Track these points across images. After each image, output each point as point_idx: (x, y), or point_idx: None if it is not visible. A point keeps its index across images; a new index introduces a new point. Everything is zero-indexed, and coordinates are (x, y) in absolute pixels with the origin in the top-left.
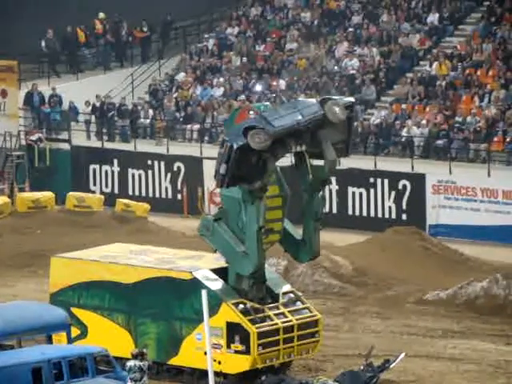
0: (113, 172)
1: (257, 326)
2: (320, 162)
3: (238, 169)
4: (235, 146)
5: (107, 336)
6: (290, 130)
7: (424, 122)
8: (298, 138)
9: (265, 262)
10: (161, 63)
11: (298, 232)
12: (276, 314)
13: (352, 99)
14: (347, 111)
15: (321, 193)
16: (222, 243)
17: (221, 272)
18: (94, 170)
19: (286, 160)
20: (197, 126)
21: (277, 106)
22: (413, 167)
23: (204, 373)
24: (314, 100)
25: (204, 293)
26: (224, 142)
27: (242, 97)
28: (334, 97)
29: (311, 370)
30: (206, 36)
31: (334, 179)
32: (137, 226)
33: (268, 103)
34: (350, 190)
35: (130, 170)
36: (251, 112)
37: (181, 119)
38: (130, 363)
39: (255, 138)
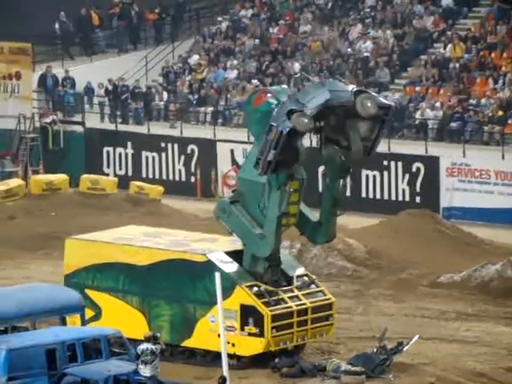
0: (126, 154)
1: (271, 308)
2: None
3: (280, 154)
4: (285, 132)
5: (121, 318)
6: (321, 108)
7: (438, 104)
8: (323, 117)
9: (280, 245)
10: (174, 46)
11: (313, 214)
12: (290, 297)
13: (392, 103)
14: (381, 111)
15: (342, 181)
16: (238, 225)
17: (235, 255)
18: (108, 153)
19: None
20: (210, 109)
21: (307, 86)
22: (427, 150)
23: (217, 355)
24: (349, 86)
25: (217, 275)
26: (271, 127)
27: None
28: (371, 92)
29: (324, 352)
30: (220, 18)
31: None
32: (150, 209)
33: (285, 86)
34: (364, 172)
35: (144, 153)
36: (268, 95)
37: (194, 102)
38: (143, 346)
39: (300, 120)
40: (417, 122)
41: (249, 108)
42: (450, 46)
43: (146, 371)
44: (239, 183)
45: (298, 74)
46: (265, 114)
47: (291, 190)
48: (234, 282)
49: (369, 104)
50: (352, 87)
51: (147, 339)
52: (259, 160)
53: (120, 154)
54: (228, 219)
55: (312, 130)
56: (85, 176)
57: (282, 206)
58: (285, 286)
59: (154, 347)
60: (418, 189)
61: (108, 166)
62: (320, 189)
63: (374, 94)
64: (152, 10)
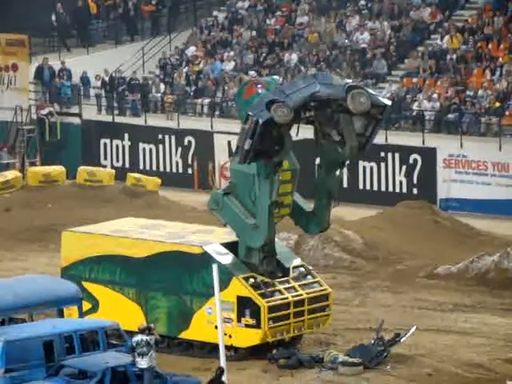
0: (123, 146)
1: (267, 300)
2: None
3: (260, 144)
4: (261, 121)
5: (118, 310)
6: (305, 101)
7: (435, 95)
8: (315, 109)
9: (275, 235)
10: (171, 37)
11: (307, 204)
12: (286, 288)
13: (388, 102)
14: (374, 109)
15: (337, 173)
16: (231, 217)
17: (231, 246)
18: (105, 145)
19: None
20: (207, 101)
21: (297, 77)
22: (424, 141)
23: (214, 346)
24: (343, 81)
25: (215, 267)
26: (248, 117)
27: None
28: (368, 89)
29: (322, 343)
30: (217, 10)
31: None
32: (147, 201)
33: (276, 77)
34: (361, 164)
35: (141, 145)
36: (259, 85)
37: (191, 93)
38: (137, 338)
39: (278, 111)
40: (414, 114)
41: (240, 100)
42: (447, 37)
43: (142, 363)
44: (232, 175)
45: (295, 67)
46: None
47: (280, 178)
48: (230, 274)
49: (361, 100)
50: (346, 82)
51: (141, 331)
52: (237, 148)
53: (117, 146)
54: (222, 211)
55: (293, 121)
56: (82, 168)
57: (271, 194)
58: (281, 277)
59: (148, 338)
60: (415, 180)
61: (105, 158)
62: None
63: (370, 91)
64: (149, 1)
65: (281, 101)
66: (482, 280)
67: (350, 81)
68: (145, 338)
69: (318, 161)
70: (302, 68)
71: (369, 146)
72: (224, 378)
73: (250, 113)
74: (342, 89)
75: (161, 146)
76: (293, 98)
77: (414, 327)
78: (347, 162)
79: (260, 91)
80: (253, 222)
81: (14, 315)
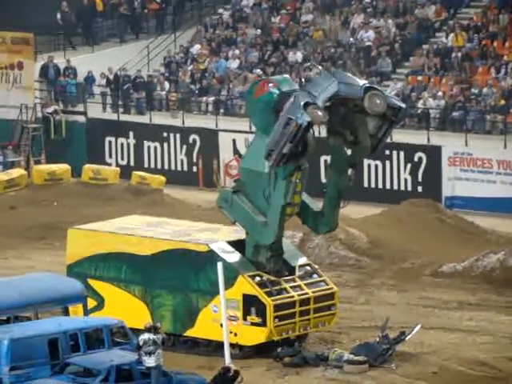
0: (128, 144)
1: (273, 298)
2: None
3: (294, 147)
4: (304, 125)
5: (123, 308)
6: (328, 101)
7: (440, 93)
8: (327, 109)
9: (283, 234)
10: (176, 35)
11: (316, 204)
12: (292, 287)
13: (403, 105)
14: (390, 111)
15: (349, 173)
16: (241, 214)
17: (237, 245)
18: (110, 143)
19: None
20: (212, 99)
21: (316, 76)
22: (429, 139)
23: (220, 344)
24: (360, 81)
25: (220, 265)
26: (290, 120)
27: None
28: (383, 91)
29: (327, 342)
30: (222, 8)
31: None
32: (152, 199)
33: (287, 75)
34: (366, 162)
35: (146, 143)
36: (270, 84)
37: (196, 91)
38: (144, 336)
39: (314, 113)
40: (419, 112)
41: (250, 98)
42: (452, 35)
43: (150, 361)
44: (241, 173)
45: (308, 64)
46: (266, 103)
47: (297, 180)
48: (236, 272)
49: (378, 101)
50: (364, 83)
51: (148, 329)
52: (272, 152)
53: (122, 144)
54: (231, 209)
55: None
56: (87, 166)
57: (287, 195)
58: (287, 276)
59: (155, 337)
60: (420, 178)
61: (110, 156)
62: (322, 179)
63: (386, 93)
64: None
65: (312, 102)
66: (487, 278)
67: (366, 81)
68: (152, 336)
69: (327, 160)
70: (320, 67)
71: (380, 148)
72: (239, 379)
73: (292, 116)
74: (360, 89)
75: (165, 144)
76: (320, 99)
77: (419, 325)
78: (359, 163)
79: (271, 90)
80: (263, 219)
81: (20, 313)
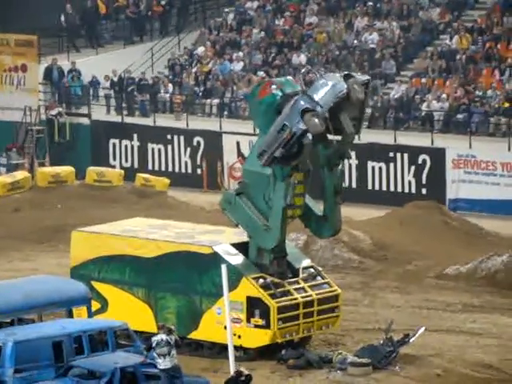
0: (132, 146)
1: (277, 300)
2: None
3: (286, 151)
4: (298, 133)
5: (127, 310)
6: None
7: (444, 96)
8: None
9: (285, 238)
10: (180, 38)
11: (318, 208)
12: (296, 289)
13: (368, 77)
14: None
15: (340, 167)
16: (244, 217)
17: (241, 247)
18: (114, 145)
19: None
20: (216, 101)
21: (315, 80)
22: (433, 141)
23: (224, 347)
24: (338, 75)
25: (224, 267)
26: (284, 127)
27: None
28: (354, 74)
29: (331, 344)
30: (226, 10)
31: (353, 154)
32: (156, 201)
33: (290, 77)
34: (370, 164)
35: (150, 145)
36: (273, 86)
37: (200, 94)
38: (157, 337)
39: (312, 122)
40: (423, 114)
41: (253, 100)
42: (456, 37)
43: (166, 363)
44: (245, 175)
45: (304, 69)
46: (269, 105)
47: (296, 181)
48: (240, 274)
49: (357, 88)
50: (340, 74)
51: (161, 329)
52: (264, 152)
53: (126, 146)
54: (234, 211)
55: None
56: (91, 168)
57: (287, 197)
58: (291, 278)
59: (168, 338)
60: (424, 180)
61: (114, 158)
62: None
63: (355, 74)
64: (158, 1)
65: (311, 109)
66: (491, 280)
67: (338, 74)
68: (165, 337)
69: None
70: (317, 71)
71: (362, 125)
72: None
73: (287, 123)
74: (343, 84)
75: (169, 147)
76: (322, 105)
77: (423, 328)
78: (348, 154)
79: (274, 92)
80: (265, 223)
81: (23, 316)
